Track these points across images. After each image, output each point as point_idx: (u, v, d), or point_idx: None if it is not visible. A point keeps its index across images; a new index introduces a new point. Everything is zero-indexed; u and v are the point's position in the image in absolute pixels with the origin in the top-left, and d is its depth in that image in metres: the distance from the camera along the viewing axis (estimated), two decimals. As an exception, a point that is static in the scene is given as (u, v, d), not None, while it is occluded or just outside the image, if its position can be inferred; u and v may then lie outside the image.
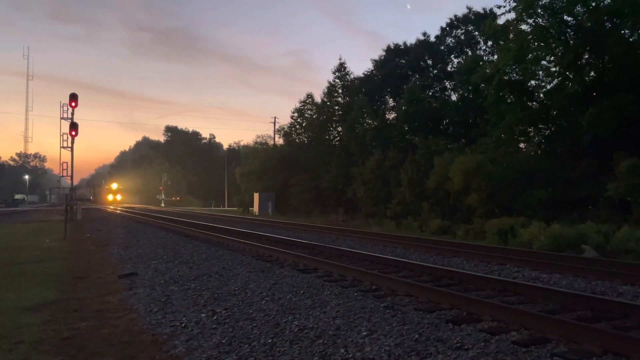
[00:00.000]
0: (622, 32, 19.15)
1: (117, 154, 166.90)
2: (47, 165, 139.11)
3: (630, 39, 19.17)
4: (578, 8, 19.14)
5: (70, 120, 26.18)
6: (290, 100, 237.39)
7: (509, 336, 5.33)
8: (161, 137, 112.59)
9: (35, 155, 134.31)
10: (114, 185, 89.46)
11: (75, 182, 34.75)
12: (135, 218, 32.71)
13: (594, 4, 18.94)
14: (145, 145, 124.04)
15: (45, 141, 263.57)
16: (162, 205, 76.13)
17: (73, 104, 25.19)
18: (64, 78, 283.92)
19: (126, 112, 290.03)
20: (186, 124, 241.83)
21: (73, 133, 25.81)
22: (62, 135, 28.02)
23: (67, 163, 29.36)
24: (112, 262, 12.19)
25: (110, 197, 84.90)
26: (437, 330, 5.59)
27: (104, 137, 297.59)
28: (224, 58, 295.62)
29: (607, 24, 18.98)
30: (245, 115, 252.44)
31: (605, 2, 18.93)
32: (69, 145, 27.42)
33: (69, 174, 29.33)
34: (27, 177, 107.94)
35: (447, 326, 5.77)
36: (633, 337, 4.95)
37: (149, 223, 27.13)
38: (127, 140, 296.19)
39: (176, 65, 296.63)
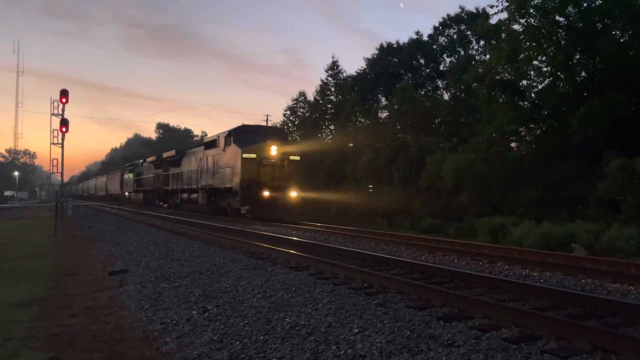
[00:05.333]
0: (613, 33, 19.31)
1: (108, 151, 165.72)
2: (36, 161, 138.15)
3: (621, 40, 19.34)
4: (570, 9, 19.27)
5: (60, 117, 25.98)
6: (283, 98, 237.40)
7: (500, 333, 5.36)
8: (153, 134, 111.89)
9: (25, 152, 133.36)
10: (274, 150, 22.18)
11: (65, 179, 34.43)
12: (125, 215, 32.49)
13: (585, 5, 19.10)
14: (136, 142, 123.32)
15: (35, 137, 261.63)
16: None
17: (64, 100, 25.02)
18: (54, 74, 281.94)
19: (118, 109, 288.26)
20: (178, 121, 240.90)
21: (64, 129, 25.64)
22: (52, 131, 27.83)
23: (57, 159, 29.17)
24: (103, 259, 12.11)
25: (266, 193, 21.80)
26: (428, 327, 5.61)
27: (95, 134, 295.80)
28: (217, 55, 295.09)
29: (598, 24, 19.13)
30: (238, 113, 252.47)
31: (597, 3, 19.09)
32: (60, 141, 27.23)
33: (59, 170, 29.11)
34: (16, 173, 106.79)
35: (438, 323, 5.78)
36: (622, 334, 5.00)
37: (139, 220, 26.97)
38: (118, 137, 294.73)
39: (169, 62, 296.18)
